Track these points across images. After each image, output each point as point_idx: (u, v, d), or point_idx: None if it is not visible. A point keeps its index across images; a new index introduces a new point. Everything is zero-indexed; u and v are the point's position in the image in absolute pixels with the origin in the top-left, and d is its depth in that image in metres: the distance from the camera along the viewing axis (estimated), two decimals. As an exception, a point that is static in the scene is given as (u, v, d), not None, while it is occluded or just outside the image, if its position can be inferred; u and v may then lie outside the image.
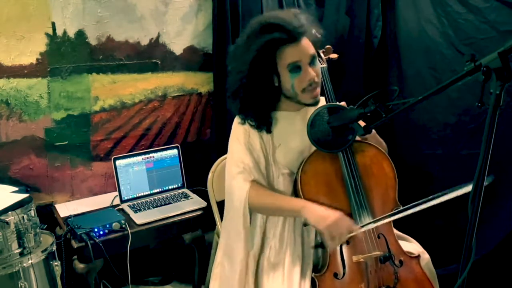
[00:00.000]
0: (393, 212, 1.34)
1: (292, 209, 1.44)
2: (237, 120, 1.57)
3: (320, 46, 1.72)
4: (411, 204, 1.25)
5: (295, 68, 1.43)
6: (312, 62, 1.45)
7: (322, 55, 1.68)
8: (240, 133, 1.54)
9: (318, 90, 1.49)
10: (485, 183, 0.89)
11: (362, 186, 1.46)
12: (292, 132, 1.54)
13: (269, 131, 1.52)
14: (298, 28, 1.40)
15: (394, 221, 1.53)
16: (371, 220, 1.40)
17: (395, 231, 1.57)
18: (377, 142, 1.59)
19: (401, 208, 1.31)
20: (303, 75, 1.43)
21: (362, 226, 1.38)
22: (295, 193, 1.53)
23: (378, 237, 1.45)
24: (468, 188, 1.07)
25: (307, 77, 1.43)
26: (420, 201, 1.21)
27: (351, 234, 1.36)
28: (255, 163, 1.50)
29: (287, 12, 1.47)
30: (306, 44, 1.43)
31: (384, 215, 1.36)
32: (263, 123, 1.51)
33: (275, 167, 1.53)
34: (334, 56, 1.76)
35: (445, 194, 1.16)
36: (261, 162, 1.51)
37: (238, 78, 1.47)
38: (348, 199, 1.45)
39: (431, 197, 1.19)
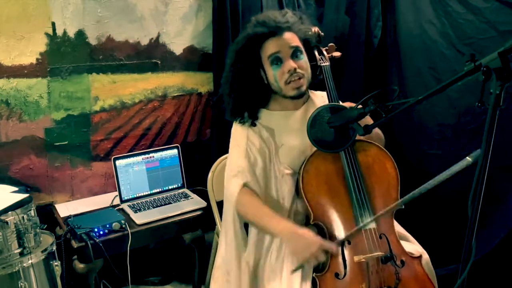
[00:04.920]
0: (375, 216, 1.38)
1: (271, 233, 1.47)
2: (235, 123, 1.58)
3: (322, 45, 1.72)
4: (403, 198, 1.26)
5: (276, 59, 1.47)
6: (294, 55, 1.48)
7: (325, 53, 1.67)
8: (238, 136, 1.55)
9: (302, 81, 1.50)
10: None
11: (364, 185, 1.46)
12: (292, 131, 1.54)
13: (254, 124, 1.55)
14: (280, 24, 1.47)
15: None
16: (345, 237, 1.41)
17: (397, 228, 1.56)
18: (377, 136, 1.61)
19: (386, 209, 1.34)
20: (283, 67, 1.47)
21: (339, 242, 1.40)
22: (297, 193, 1.53)
23: (380, 238, 1.45)
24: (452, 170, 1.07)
25: (287, 68, 1.46)
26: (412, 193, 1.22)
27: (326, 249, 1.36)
28: (250, 166, 1.50)
29: (276, 11, 1.54)
30: (289, 37, 1.48)
31: (356, 228, 1.40)
32: (256, 118, 1.55)
33: (278, 167, 1.53)
34: (337, 54, 1.73)
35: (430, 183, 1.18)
36: (258, 164, 1.51)
37: (228, 72, 1.54)
38: (350, 198, 1.45)
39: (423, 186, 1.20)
